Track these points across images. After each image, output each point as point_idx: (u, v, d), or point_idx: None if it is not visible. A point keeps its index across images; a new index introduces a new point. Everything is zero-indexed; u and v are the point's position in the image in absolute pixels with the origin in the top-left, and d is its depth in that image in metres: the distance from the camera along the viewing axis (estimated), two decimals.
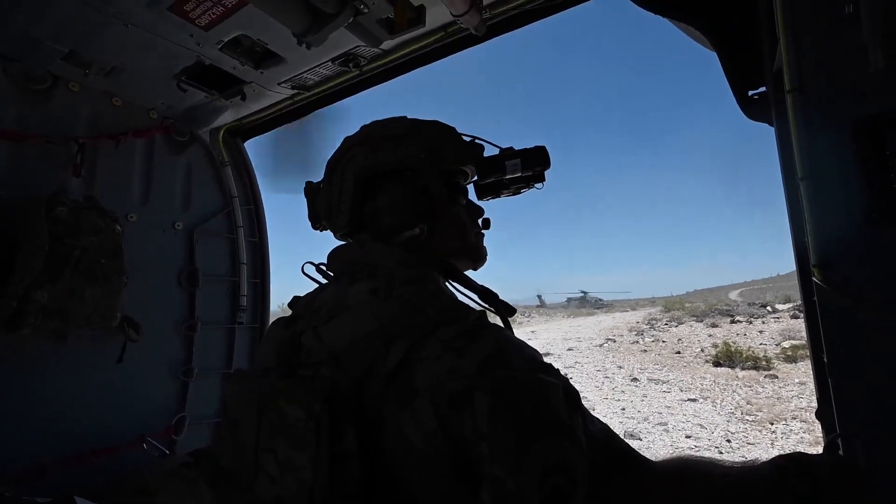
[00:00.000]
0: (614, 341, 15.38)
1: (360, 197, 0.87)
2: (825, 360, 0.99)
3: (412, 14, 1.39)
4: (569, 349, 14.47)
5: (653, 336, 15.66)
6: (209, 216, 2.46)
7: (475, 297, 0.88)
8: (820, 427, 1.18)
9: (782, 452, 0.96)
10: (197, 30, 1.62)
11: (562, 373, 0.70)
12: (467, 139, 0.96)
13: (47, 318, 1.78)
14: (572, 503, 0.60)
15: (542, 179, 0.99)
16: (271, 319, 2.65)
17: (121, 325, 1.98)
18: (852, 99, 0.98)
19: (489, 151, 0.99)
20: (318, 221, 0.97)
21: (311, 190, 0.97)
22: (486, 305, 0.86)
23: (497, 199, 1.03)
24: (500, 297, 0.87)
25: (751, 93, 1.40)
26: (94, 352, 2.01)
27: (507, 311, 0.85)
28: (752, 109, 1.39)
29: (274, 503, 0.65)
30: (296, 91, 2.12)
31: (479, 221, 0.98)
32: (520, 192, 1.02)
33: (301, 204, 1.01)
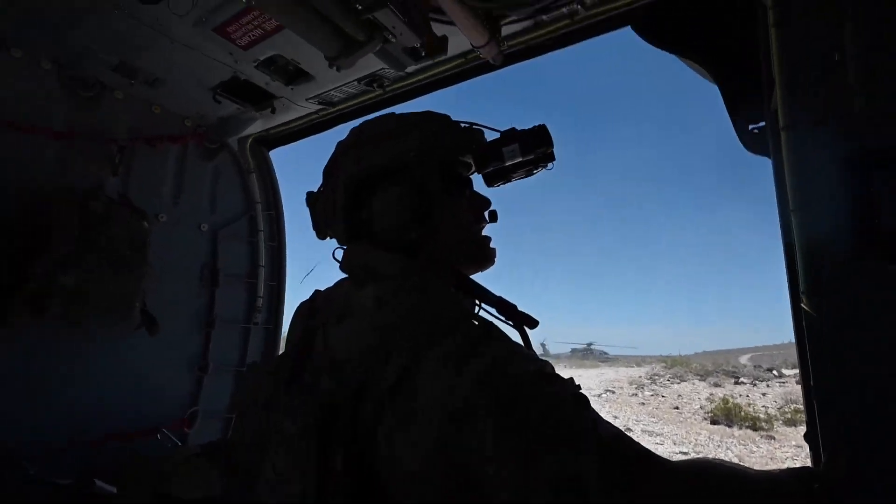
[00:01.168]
0: (613, 392, 15.16)
1: (354, 204, 0.83)
2: (812, 384, 1.05)
3: (436, 43, 1.50)
4: None
5: (652, 391, 15.38)
6: (233, 219, 2.59)
7: (492, 310, 0.83)
8: (810, 456, 1.22)
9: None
10: (236, 49, 1.76)
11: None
12: (465, 125, 0.89)
13: (71, 303, 1.89)
14: None
15: (550, 159, 0.91)
16: (285, 324, 2.75)
17: (140, 315, 2.09)
18: (840, 138, 1.04)
19: (491, 136, 0.92)
20: (321, 231, 0.93)
21: (311, 200, 0.93)
22: (503, 318, 0.82)
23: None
24: (519, 309, 0.83)
25: (751, 127, 1.47)
26: (116, 341, 2.12)
27: (527, 323, 0.80)
28: (752, 143, 1.46)
29: None
30: (322, 106, 2.25)
31: (486, 215, 0.90)
32: (532, 174, 0.94)
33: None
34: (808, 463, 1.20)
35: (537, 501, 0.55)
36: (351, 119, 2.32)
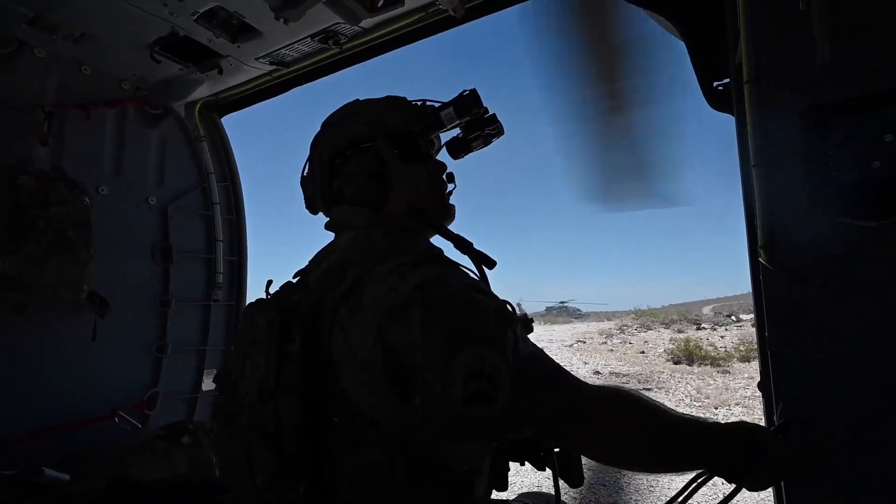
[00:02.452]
0: (584, 342, 15.82)
1: (328, 176, 1.00)
2: (766, 334, 1.08)
3: None
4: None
5: (621, 339, 16.16)
6: (184, 192, 2.43)
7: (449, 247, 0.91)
8: (762, 404, 1.27)
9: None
10: None
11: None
12: (419, 103, 1.03)
13: (8, 288, 1.75)
14: (494, 405, 0.66)
15: (492, 123, 1.04)
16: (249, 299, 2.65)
17: (88, 298, 1.96)
18: (802, 90, 1.04)
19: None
20: (311, 206, 1.08)
21: (302, 180, 1.09)
22: (461, 252, 0.89)
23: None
24: (476, 247, 0.90)
25: (716, 84, 1.47)
26: (66, 326, 1.99)
27: (485, 262, 0.86)
28: (716, 100, 1.45)
29: (244, 397, 0.80)
30: (274, 67, 2.09)
31: (445, 177, 1.04)
32: (490, 142, 1.08)
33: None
34: (760, 404, 1.27)
35: (452, 383, 0.65)
36: (307, 80, 2.18)
